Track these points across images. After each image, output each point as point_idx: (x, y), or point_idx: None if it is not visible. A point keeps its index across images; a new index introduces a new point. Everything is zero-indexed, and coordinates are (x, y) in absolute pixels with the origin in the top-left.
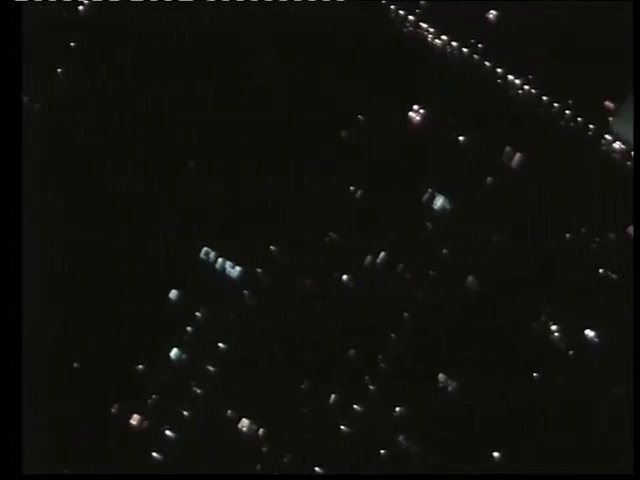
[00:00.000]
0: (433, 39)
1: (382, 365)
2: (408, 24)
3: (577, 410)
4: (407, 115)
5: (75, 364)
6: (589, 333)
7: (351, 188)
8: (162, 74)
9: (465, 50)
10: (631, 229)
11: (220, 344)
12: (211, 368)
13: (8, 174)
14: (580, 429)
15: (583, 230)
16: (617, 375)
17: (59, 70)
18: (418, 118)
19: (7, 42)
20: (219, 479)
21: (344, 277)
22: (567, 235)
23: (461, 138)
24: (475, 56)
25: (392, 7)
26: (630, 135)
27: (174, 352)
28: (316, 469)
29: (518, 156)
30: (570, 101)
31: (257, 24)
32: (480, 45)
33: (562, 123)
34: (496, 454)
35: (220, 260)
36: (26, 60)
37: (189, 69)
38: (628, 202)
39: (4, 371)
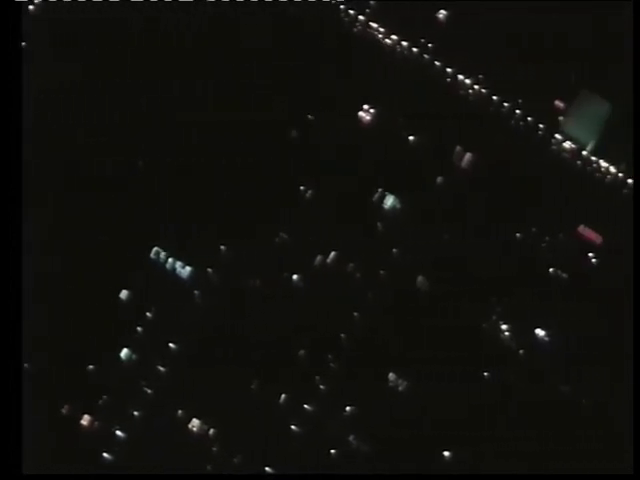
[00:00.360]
0: (383, 39)
1: (332, 365)
2: (358, 24)
3: (527, 409)
4: (357, 114)
5: (26, 365)
6: (539, 332)
7: (301, 188)
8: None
9: (415, 50)
10: (582, 228)
11: (170, 344)
12: (161, 368)
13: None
14: (531, 428)
15: (533, 230)
16: (566, 374)
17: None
18: (368, 118)
19: (7, 42)
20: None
21: (294, 277)
22: (517, 235)
23: (411, 138)
24: (425, 56)
25: (342, 7)
26: (580, 134)
27: (124, 352)
28: (266, 469)
29: (468, 156)
30: (520, 100)
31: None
32: (430, 45)
33: (512, 123)
34: (447, 453)
35: (170, 260)
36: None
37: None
38: (578, 201)
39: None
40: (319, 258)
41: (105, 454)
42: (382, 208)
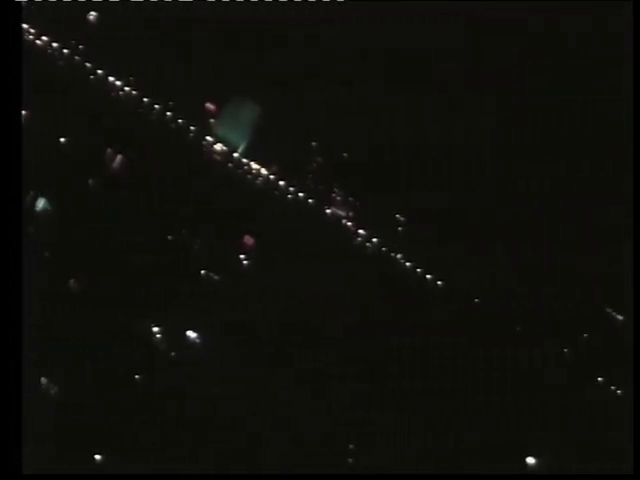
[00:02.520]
0: (34, 40)
1: None
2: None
3: (187, 411)
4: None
5: None
6: (191, 334)
7: None
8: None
9: (66, 51)
10: (248, 238)
11: None
12: None
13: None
14: (198, 429)
15: (184, 232)
16: (221, 376)
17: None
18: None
19: (7, 42)
20: None
21: None
22: (168, 237)
23: (62, 140)
24: (76, 57)
25: None
26: (231, 137)
27: None
28: None
29: (119, 157)
30: (171, 103)
31: None
32: (81, 46)
33: (163, 125)
34: (97, 456)
35: None
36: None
37: None
38: (230, 203)
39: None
40: None
41: None
42: (34, 211)
